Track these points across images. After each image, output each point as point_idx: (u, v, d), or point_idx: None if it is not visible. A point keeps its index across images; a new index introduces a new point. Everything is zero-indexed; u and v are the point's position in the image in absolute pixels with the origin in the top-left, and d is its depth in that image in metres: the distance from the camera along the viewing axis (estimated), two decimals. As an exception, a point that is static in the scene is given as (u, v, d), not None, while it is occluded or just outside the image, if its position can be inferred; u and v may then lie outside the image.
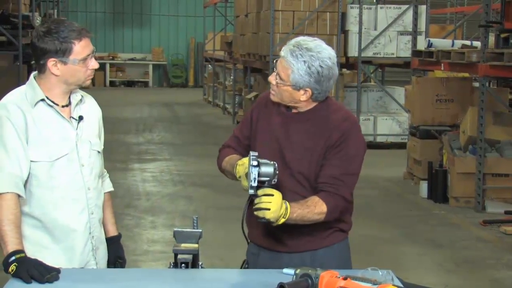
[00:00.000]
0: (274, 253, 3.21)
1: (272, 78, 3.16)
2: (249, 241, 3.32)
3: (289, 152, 3.15)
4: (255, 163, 2.92)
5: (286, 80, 3.11)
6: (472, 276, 6.48)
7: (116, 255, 3.33)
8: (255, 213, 2.92)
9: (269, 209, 2.90)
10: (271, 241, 3.21)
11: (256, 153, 2.95)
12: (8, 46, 13.56)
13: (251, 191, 2.92)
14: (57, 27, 3.02)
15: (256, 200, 2.92)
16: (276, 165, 2.95)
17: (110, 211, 3.37)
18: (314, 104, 3.19)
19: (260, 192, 2.92)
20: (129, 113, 18.44)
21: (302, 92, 3.12)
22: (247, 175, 2.98)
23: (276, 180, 2.95)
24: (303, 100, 3.15)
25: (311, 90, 3.12)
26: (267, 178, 2.93)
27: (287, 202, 2.97)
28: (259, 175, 2.91)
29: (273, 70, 3.19)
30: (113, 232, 3.37)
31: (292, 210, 2.98)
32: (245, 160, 3.05)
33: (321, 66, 3.10)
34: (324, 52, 3.13)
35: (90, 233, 3.17)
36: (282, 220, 2.96)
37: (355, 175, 3.18)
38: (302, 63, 3.08)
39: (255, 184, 2.91)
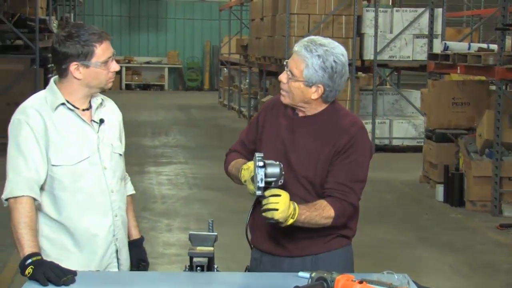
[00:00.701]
0: (275, 258, 3.20)
1: (283, 77, 3.13)
2: (252, 246, 3.31)
3: (294, 155, 3.13)
4: (261, 164, 2.91)
5: (299, 75, 3.08)
6: (488, 281, 6.44)
7: (139, 258, 3.34)
8: (263, 214, 2.91)
9: (277, 209, 2.88)
10: (272, 246, 3.20)
11: (262, 154, 2.95)
12: (25, 49, 13.65)
13: (259, 192, 2.91)
14: (77, 31, 3.03)
15: (264, 201, 2.91)
16: (282, 165, 2.95)
17: (132, 215, 3.39)
18: (322, 107, 3.17)
19: (267, 193, 2.91)
20: (145, 117, 18.50)
21: (314, 89, 3.09)
22: (252, 179, 2.98)
23: (282, 181, 2.94)
24: (313, 99, 3.11)
25: (323, 87, 3.09)
26: (274, 179, 2.92)
27: (295, 203, 2.96)
28: (266, 176, 2.90)
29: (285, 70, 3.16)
30: (135, 235, 3.38)
31: (301, 211, 2.97)
32: (250, 164, 3.05)
33: (335, 62, 3.08)
34: (338, 48, 3.12)
35: (114, 235, 3.18)
36: (290, 221, 2.94)
37: (363, 181, 3.16)
38: (316, 58, 3.06)
39: (262, 184, 2.90)
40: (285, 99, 3.16)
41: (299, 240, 3.16)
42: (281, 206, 2.89)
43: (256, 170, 2.91)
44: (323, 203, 3.06)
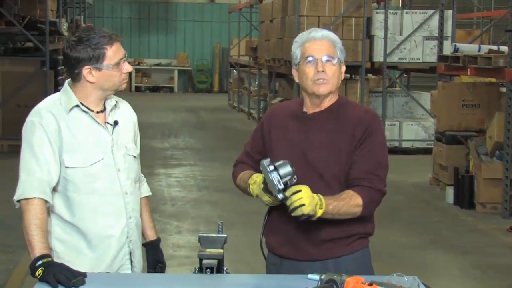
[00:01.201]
0: (296, 263, 3.18)
1: (321, 65, 3.10)
2: (266, 256, 3.30)
3: (313, 153, 3.12)
4: (271, 167, 2.90)
5: (335, 55, 3.14)
6: (498, 283, 6.42)
7: (156, 259, 3.35)
8: (293, 214, 2.88)
9: (304, 204, 2.86)
10: (292, 250, 3.18)
11: (268, 159, 2.94)
12: (35, 52, 13.69)
13: (280, 196, 2.89)
14: (87, 35, 3.04)
15: (288, 202, 2.88)
16: (290, 162, 2.93)
17: (148, 216, 3.39)
18: (336, 97, 3.19)
19: (288, 192, 2.89)
20: (154, 119, 18.53)
21: (343, 68, 3.19)
22: (264, 190, 2.99)
23: (296, 177, 2.92)
24: (342, 79, 3.19)
25: (344, 66, 3.20)
26: (288, 177, 2.91)
27: (318, 194, 2.94)
28: (280, 177, 2.90)
29: (309, 62, 3.12)
30: (152, 236, 3.39)
31: (327, 202, 2.95)
32: (255, 177, 3.06)
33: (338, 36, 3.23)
34: None
35: (127, 237, 3.19)
36: (320, 212, 2.92)
37: (386, 167, 3.17)
38: (335, 35, 3.19)
39: (281, 186, 2.90)
40: (326, 87, 3.13)
41: (321, 243, 3.14)
42: (306, 199, 2.87)
43: (270, 175, 2.89)
44: (349, 192, 3.05)
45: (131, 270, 3.23)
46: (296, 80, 3.22)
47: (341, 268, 3.08)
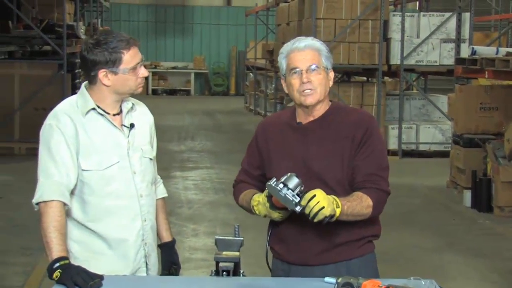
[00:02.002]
0: (306, 268, 3.16)
1: (305, 77, 3.08)
2: (271, 265, 3.29)
3: (316, 162, 3.11)
4: (280, 185, 2.89)
5: (320, 63, 3.12)
6: (517, 287, 6.37)
7: (171, 261, 3.35)
8: (315, 220, 2.86)
9: (323, 207, 2.85)
10: (303, 256, 3.16)
11: (273, 179, 2.93)
12: (53, 55, 13.78)
13: (298, 208, 2.88)
14: (105, 38, 3.05)
15: (307, 210, 2.86)
16: (295, 173, 2.92)
17: (164, 217, 3.40)
18: (327, 106, 3.18)
19: (303, 202, 2.88)
20: (171, 121, 18.57)
21: (331, 75, 3.18)
22: (271, 207, 3.00)
23: (303, 185, 2.91)
24: (329, 88, 3.17)
25: (333, 72, 3.19)
26: (299, 188, 2.90)
27: (331, 195, 2.93)
28: (292, 190, 2.89)
29: (294, 74, 3.12)
30: (167, 237, 3.39)
31: (342, 202, 2.94)
32: (257, 197, 3.06)
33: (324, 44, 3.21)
34: None
35: (143, 240, 3.19)
36: (338, 211, 2.91)
37: (388, 168, 3.17)
38: (321, 45, 3.17)
39: (297, 199, 2.88)
40: (313, 98, 3.11)
41: (333, 247, 3.13)
42: (324, 202, 2.86)
43: (281, 193, 2.87)
44: (358, 194, 3.05)
45: (146, 273, 3.23)
46: (285, 90, 3.20)
47: (353, 271, 3.07)
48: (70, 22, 15.14)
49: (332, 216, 2.90)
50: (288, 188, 2.88)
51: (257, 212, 3.07)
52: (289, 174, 2.92)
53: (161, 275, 3.29)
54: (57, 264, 2.86)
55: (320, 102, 3.15)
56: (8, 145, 12.62)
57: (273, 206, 3.02)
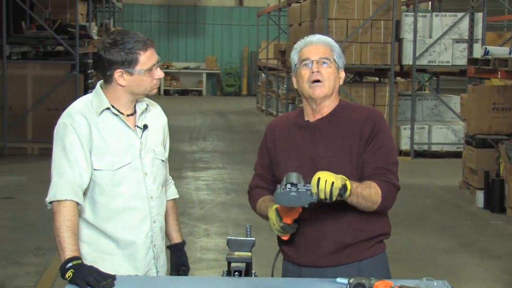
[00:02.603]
0: (317, 270, 3.14)
1: (315, 67, 3.09)
2: (280, 266, 3.28)
3: (324, 159, 3.09)
4: (288, 186, 2.85)
5: (332, 57, 3.13)
6: (530, 288, 6.35)
7: (179, 262, 3.34)
8: (334, 199, 2.84)
9: (332, 182, 2.84)
10: (314, 258, 3.14)
11: (277, 186, 2.90)
12: (66, 55, 13.83)
13: (314, 198, 2.84)
14: (123, 39, 3.05)
15: (321, 194, 2.83)
16: (289, 172, 2.91)
17: (174, 218, 3.39)
18: (336, 103, 3.18)
19: (314, 189, 2.85)
20: (183, 122, 18.59)
21: (341, 74, 3.17)
22: (282, 215, 3.00)
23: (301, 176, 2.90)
24: (338, 86, 3.16)
25: (343, 72, 3.19)
26: (302, 181, 2.87)
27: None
28: (297, 184, 2.85)
29: (305, 65, 3.12)
30: (177, 239, 3.38)
31: (351, 182, 2.92)
32: (270, 214, 3.05)
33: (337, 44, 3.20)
34: None
35: (152, 241, 3.19)
36: (348, 183, 2.89)
37: (397, 163, 3.16)
38: (334, 42, 3.16)
39: (314, 198, 2.85)
40: (322, 90, 3.11)
41: (344, 247, 3.12)
42: (330, 177, 2.85)
43: (291, 195, 2.84)
44: (367, 181, 3.03)
45: (156, 274, 3.22)
46: (295, 86, 3.20)
47: (364, 272, 3.06)
48: (82, 23, 15.18)
49: (345, 187, 2.87)
50: (294, 184, 2.85)
51: (275, 226, 3.07)
52: (284, 176, 2.90)
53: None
54: (70, 264, 2.87)
55: (328, 98, 3.14)
56: (21, 145, 12.68)
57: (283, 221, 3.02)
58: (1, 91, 12.54)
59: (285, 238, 3.12)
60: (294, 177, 2.87)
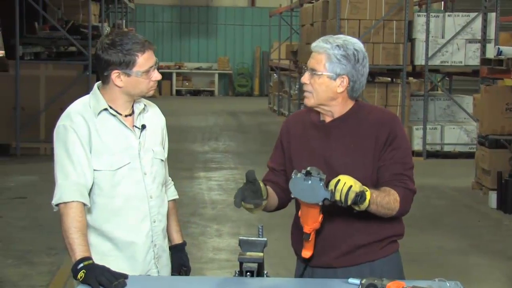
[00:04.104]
0: (329, 271, 3.14)
1: (305, 78, 3.09)
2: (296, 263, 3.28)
3: (337, 160, 3.07)
4: (304, 174, 2.82)
5: (322, 70, 3.05)
6: (543, 290, 6.31)
7: (180, 263, 3.33)
8: (349, 203, 2.82)
9: (351, 186, 2.83)
10: (325, 259, 3.14)
11: (294, 171, 2.88)
12: (78, 56, 13.87)
13: (328, 194, 2.82)
14: (121, 40, 3.05)
15: (337, 194, 2.81)
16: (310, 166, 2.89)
17: (174, 219, 3.38)
18: (349, 105, 3.13)
19: (331, 187, 2.83)
20: (195, 122, 18.61)
21: (338, 81, 3.06)
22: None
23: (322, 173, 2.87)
24: (339, 93, 3.07)
25: (347, 78, 3.06)
26: (324, 177, 2.84)
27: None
28: (314, 178, 2.84)
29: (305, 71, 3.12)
30: (177, 239, 3.38)
31: (370, 189, 2.91)
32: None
33: (356, 50, 3.07)
34: (355, 40, 3.15)
35: (152, 241, 3.19)
36: (367, 192, 2.87)
37: (413, 167, 3.14)
38: (336, 48, 3.05)
39: (329, 194, 2.81)
40: (309, 101, 3.10)
41: (356, 249, 3.11)
42: (350, 181, 2.83)
43: (307, 182, 2.82)
44: (386, 188, 3.01)
45: (157, 274, 3.21)
46: None
47: (376, 272, 3.06)
48: (95, 23, 15.23)
49: (363, 195, 2.84)
50: (312, 176, 2.84)
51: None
52: (309, 167, 2.87)
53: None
54: (81, 265, 2.87)
55: (325, 105, 3.10)
56: (34, 145, 12.74)
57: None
58: (14, 92, 12.60)
59: (307, 255, 3.07)
60: (314, 169, 2.86)
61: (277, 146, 3.29)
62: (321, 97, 3.08)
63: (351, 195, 2.82)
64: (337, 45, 3.06)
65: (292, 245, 3.27)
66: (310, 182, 2.84)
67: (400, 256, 3.25)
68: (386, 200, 2.98)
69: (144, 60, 3.06)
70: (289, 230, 3.30)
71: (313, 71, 3.07)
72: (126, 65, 3.04)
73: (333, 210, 2.99)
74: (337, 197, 2.82)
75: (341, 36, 3.15)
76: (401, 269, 3.23)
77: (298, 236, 3.18)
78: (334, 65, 3.05)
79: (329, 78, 3.06)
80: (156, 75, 3.12)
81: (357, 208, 2.89)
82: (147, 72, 3.08)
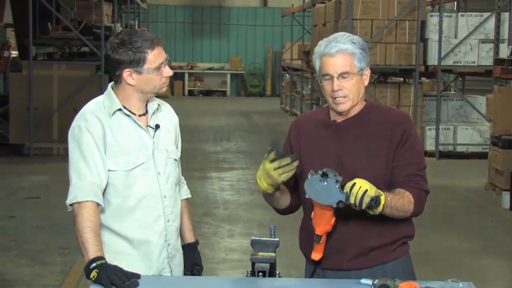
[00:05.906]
0: (341, 273, 3.13)
1: (337, 85, 3.03)
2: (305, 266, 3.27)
3: (349, 160, 3.06)
4: (320, 175, 2.81)
5: (353, 70, 3.04)
6: (557, 291, 6.29)
7: (193, 262, 3.34)
8: (363, 207, 2.80)
9: (366, 190, 2.81)
10: (336, 261, 3.12)
11: (311, 171, 2.86)
12: (91, 56, 13.92)
13: (342, 196, 2.80)
14: (130, 38, 3.06)
15: (351, 198, 2.80)
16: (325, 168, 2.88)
17: (187, 218, 3.39)
18: (362, 104, 3.13)
19: (346, 189, 2.81)
20: (207, 122, 18.63)
21: (364, 75, 3.09)
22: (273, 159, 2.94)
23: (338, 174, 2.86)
24: (365, 86, 3.10)
25: (368, 68, 3.10)
26: (340, 179, 2.84)
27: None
28: (332, 178, 2.84)
29: (326, 80, 3.06)
30: (190, 239, 3.39)
31: (384, 193, 2.90)
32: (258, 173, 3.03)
33: (360, 39, 3.11)
34: (348, 33, 3.17)
35: (166, 240, 3.19)
36: (382, 197, 2.86)
37: (425, 166, 3.14)
38: (352, 44, 3.05)
39: (344, 197, 2.80)
40: (345, 106, 3.07)
41: (368, 251, 3.10)
42: (365, 185, 2.82)
43: (323, 182, 2.80)
44: (399, 189, 3.00)
45: (170, 274, 3.22)
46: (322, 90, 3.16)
47: (388, 274, 3.05)
48: (108, 24, 15.28)
49: (377, 199, 2.83)
50: (328, 177, 2.82)
51: (259, 183, 3.06)
52: (325, 168, 2.86)
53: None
54: (94, 264, 2.88)
55: (356, 105, 3.11)
56: (47, 145, 12.79)
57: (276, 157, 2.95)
58: (27, 92, 12.66)
59: (317, 257, 3.06)
60: (330, 170, 2.85)
61: (285, 146, 3.28)
62: (355, 97, 3.08)
63: (366, 200, 2.81)
64: (351, 41, 3.06)
65: (300, 248, 3.26)
66: (326, 183, 2.83)
67: (411, 257, 3.24)
68: (400, 202, 2.97)
69: (154, 56, 3.07)
70: (301, 230, 3.29)
71: (344, 74, 3.04)
72: (137, 63, 3.05)
73: (346, 212, 2.97)
74: (352, 201, 2.81)
75: (337, 34, 3.12)
76: (412, 270, 3.22)
77: (306, 239, 3.18)
78: (360, 61, 3.07)
79: (359, 75, 3.07)
80: (168, 71, 3.13)
81: (371, 212, 2.88)
82: (158, 68, 3.09)
